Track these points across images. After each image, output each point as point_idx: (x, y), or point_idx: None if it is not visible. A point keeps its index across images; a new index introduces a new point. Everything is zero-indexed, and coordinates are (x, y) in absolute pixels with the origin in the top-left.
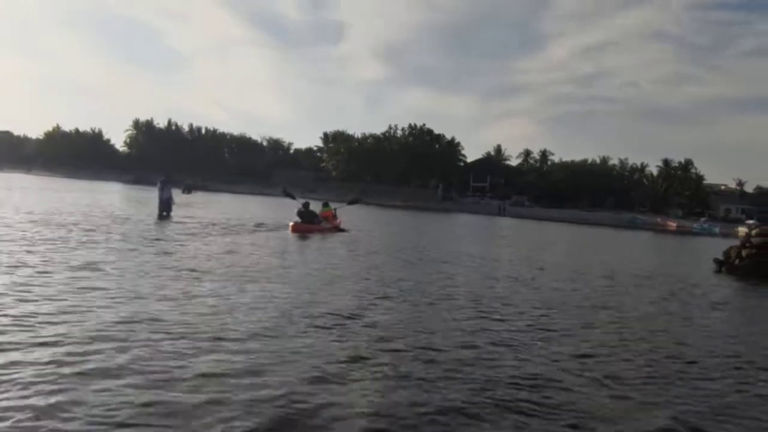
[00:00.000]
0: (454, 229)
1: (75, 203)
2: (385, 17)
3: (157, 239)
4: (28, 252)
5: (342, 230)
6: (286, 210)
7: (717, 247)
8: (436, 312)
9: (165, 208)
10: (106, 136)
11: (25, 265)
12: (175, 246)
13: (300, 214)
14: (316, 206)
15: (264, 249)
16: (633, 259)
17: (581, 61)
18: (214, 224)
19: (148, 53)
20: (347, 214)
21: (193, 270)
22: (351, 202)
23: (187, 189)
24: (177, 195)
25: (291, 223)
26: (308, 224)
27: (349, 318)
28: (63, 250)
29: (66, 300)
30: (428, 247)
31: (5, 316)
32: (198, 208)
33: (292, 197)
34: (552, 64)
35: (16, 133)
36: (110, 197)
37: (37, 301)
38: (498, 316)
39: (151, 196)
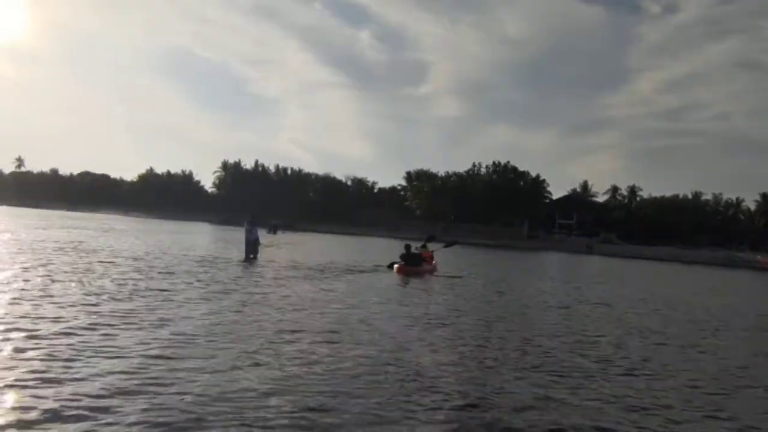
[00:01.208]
0: (551, 269)
1: (168, 245)
2: (466, 55)
3: (241, 284)
4: (114, 299)
5: (457, 277)
6: (374, 251)
7: None
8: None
9: (252, 250)
10: (196, 178)
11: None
12: (263, 293)
13: (403, 256)
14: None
15: (364, 296)
16: (746, 302)
17: (668, 94)
18: (303, 267)
19: (234, 97)
20: (442, 254)
21: (291, 329)
22: (447, 245)
23: (273, 229)
24: (263, 236)
25: (396, 266)
26: (412, 266)
27: (469, 398)
28: (156, 301)
29: (133, 359)
30: (542, 292)
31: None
32: (285, 249)
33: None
34: (637, 98)
35: (112, 176)
36: (201, 238)
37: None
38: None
39: (238, 237)
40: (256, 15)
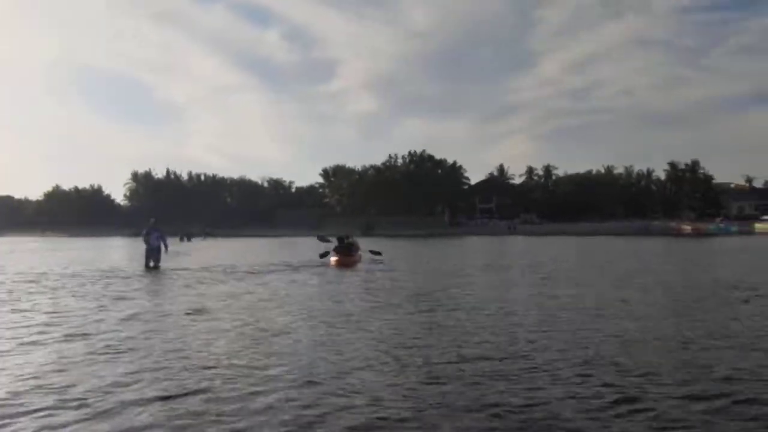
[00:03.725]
0: (479, 253)
1: (62, 262)
2: (374, 50)
3: (125, 298)
4: None
5: (378, 253)
6: (294, 250)
7: (744, 245)
8: None
9: (154, 257)
10: (106, 191)
11: None
12: (148, 308)
13: (338, 249)
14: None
15: (282, 299)
16: (685, 269)
17: (573, 75)
18: (212, 270)
19: (141, 107)
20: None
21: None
22: (375, 253)
23: (187, 237)
24: (174, 243)
25: (333, 259)
26: (348, 256)
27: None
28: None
29: None
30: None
31: None
32: (194, 254)
33: (327, 240)
34: (544, 81)
35: (16, 196)
36: (107, 252)
37: None
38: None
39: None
40: (158, 21)
